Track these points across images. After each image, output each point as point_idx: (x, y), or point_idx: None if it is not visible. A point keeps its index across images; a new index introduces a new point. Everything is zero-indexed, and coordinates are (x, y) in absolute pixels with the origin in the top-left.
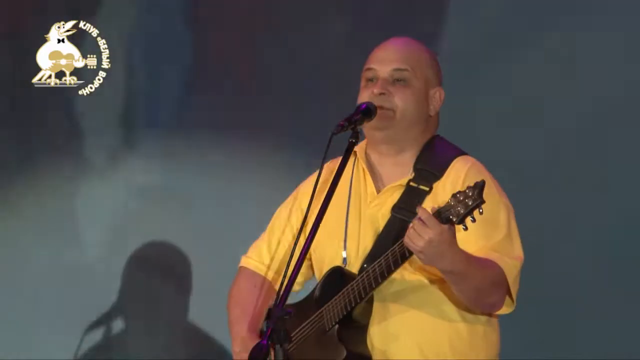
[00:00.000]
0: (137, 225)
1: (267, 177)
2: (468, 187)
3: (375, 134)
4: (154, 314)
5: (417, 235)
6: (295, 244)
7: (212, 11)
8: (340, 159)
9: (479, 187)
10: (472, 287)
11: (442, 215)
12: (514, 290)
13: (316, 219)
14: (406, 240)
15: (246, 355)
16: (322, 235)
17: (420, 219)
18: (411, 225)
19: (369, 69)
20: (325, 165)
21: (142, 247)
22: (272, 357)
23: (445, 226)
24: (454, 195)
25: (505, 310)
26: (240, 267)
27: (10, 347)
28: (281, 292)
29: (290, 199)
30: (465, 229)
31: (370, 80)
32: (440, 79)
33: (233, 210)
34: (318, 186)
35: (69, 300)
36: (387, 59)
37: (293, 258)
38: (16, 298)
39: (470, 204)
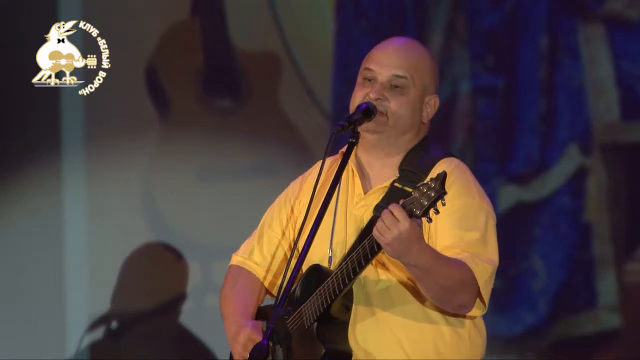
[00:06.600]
0: (135, 225)
1: (261, 178)
2: (431, 179)
3: (367, 136)
4: (150, 315)
5: (386, 229)
6: (296, 244)
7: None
8: (336, 157)
9: (441, 178)
10: (437, 284)
11: (406, 208)
12: (484, 293)
13: (314, 223)
14: (375, 232)
15: (243, 333)
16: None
17: (390, 212)
18: (381, 218)
19: (368, 69)
20: (317, 163)
21: (141, 247)
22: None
23: (415, 222)
24: (417, 188)
25: (476, 312)
26: (231, 265)
27: (9, 348)
28: (281, 292)
29: (281, 197)
30: (430, 221)
31: (367, 79)
32: (437, 86)
33: (228, 212)
34: (307, 185)
35: (67, 301)
36: (387, 63)
37: (292, 258)
38: (14, 298)
39: (432, 195)
